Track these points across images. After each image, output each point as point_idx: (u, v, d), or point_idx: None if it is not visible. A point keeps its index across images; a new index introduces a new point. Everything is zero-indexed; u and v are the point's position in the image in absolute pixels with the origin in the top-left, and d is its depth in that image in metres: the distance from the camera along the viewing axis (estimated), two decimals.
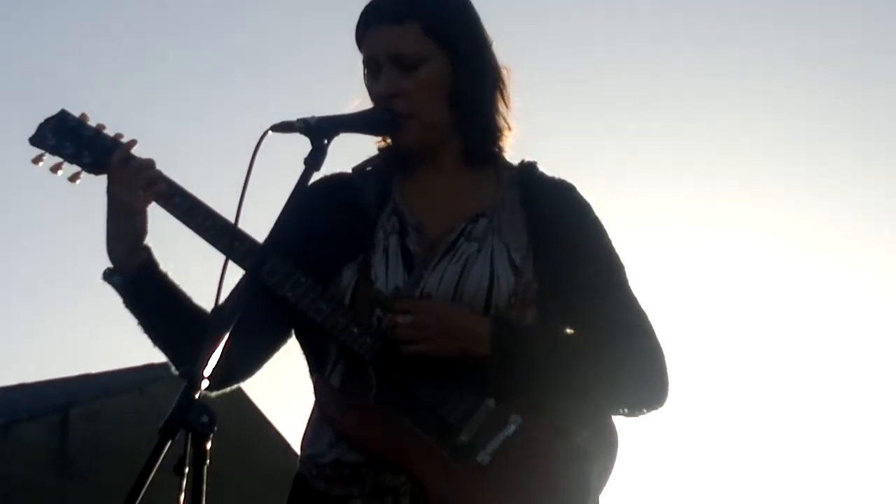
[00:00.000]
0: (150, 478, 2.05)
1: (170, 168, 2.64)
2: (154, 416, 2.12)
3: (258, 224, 2.53)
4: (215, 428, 2.11)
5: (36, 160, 2.66)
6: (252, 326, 2.51)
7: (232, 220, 2.41)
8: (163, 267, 2.62)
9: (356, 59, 2.65)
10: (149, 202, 2.58)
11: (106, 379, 16.92)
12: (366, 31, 2.60)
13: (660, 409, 2.60)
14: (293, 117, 2.40)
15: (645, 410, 2.59)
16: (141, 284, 2.59)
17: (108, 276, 2.60)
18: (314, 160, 2.37)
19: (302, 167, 2.36)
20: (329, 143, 2.39)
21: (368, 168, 2.69)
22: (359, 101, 2.61)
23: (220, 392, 2.64)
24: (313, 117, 2.40)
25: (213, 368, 2.22)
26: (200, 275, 2.45)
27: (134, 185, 2.57)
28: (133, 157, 2.60)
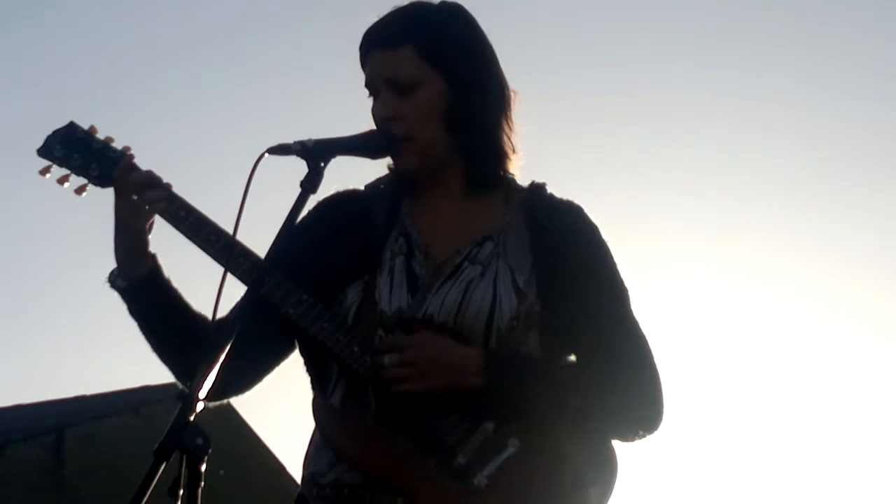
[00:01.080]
0: (145, 499, 2.05)
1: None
2: (150, 437, 2.12)
3: (254, 246, 2.54)
4: (210, 450, 2.11)
5: (43, 171, 2.68)
6: (252, 340, 2.53)
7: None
8: (167, 276, 2.64)
9: (358, 80, 2.66)
10: (150, 216, 2.59)
11: (102, 400, 16.88)
12: (366, 55, 2.63)
13: (655, 433, 2.60)
14: (290, 139, 2.41)
15: (641, 434, 2.59)
16: (142, 291, 2.61)
17: (113, 279, 2.62)
18: (311, 183, 2.38)
19: (299, 190, 2.37)
20: (326, 165, 2.40)
21: (381, 186, 2.70)
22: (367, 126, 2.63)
23: (216, 403, 2.64)
24: (310, 140, 2.41)
25: (222, 378, 2.26)
26: (208, 289, 2.45)
27: (138, 200, 2.59)
28: (136, 171, 2.62)
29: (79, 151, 2.66)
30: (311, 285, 2.56)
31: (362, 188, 2.73)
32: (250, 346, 2.51)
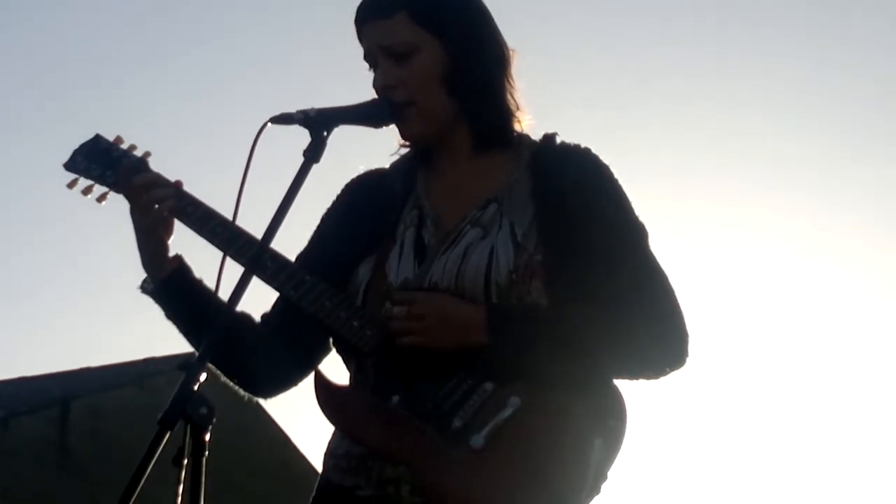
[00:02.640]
0: (149, 469, 2.06)
1: (169, 160, 2.67)
2: (154, 409, 2.13)
3: (257, 216, 2.54)
4: (214, 419, 2.12)
5: (70, 185, 2.77)
6: (294, 331, 2.62)
7: (234, 217, 2.48)
8: (198, 276, 2.66)
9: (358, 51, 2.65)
10: (160, 215, 2.62)
11: (106, 372, 16.92)
12: (361, 28, 2.63)
13: (682, 367, 2.55)
14: (293, 108, 2.41)
15: (667, 371, 2.55)
16: (168, 291, 2.64)
17: (144, 285, 2.67)
18: (313, 152, 2.38)
19: (301, 159, 2.37)
20: (328, 135, 2.40)
21: (403, 162, 2.71)
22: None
23: (272, 396, 2.75)
24: (313, 109, 2.42)
25: (266, 374, 2.63)
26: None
27: (146, 200, 2.62)
28: (139, 174, 2.66)
29: (98, 161, 2.75)
30: (331, 267, 2.59)
31: (387, 166, 2.75)
32: (294, 336, 2.61)
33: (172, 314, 2.66)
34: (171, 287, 2.64)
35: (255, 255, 2.47)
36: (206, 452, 2.12)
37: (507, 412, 2.44)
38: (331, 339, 2.66)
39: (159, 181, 2.65)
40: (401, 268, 2.57)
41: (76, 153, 2.78)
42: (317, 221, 2.77)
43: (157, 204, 2.62)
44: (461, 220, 2.59)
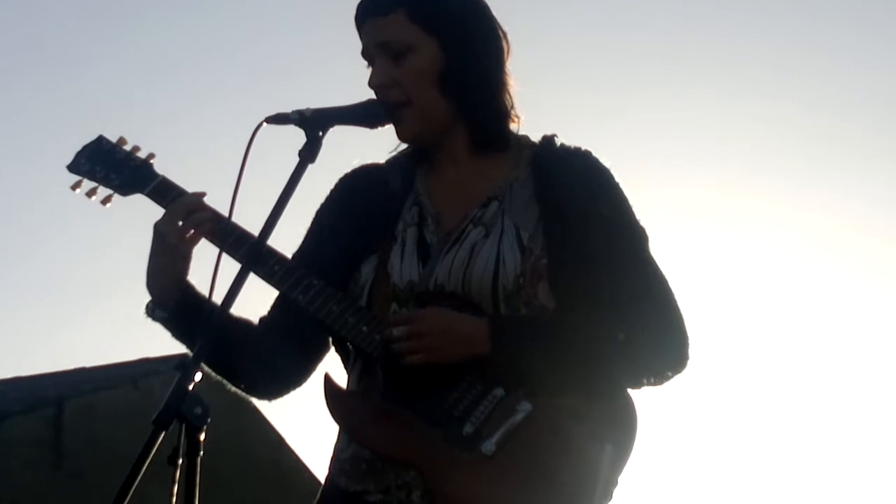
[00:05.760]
0: (144, 468, 2.06)
1: (164, 158, 2.68)
2: (149, 410, 2.13)
3: (253, 216, 2.54)
4: (209, 419, 2.12)
5: (74, 186, 2.75)
6: (295, 332, 2.60)
7: (230, 217, 2.45)
8: (202, 294, 2.59)
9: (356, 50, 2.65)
10: (198, 240, 2.58)
11: (100, 373, 16.88)
12: (360, 25, 2.62)
13: (683, 371, 2.56)
14: (289, 108, 2.40)
15: (669, 375, 2.56)
16: (183, 315, 2.57)
17: (151, 311, 2.60)
18: (309, 152, 2.38)
19: (297, 159, 2.37)
20: (324, 135, 2.40)
21: (400, 158, 2.70)
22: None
23: (278, 398, 2.72)
24: (308, 109, 2.42)
25: (270, 376, 2.62)
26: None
27: (185, 224, 2.57)
28: (187, 196, 2.61)
29: (102, 163, 2.74)
30: (331, 265, 2.58)
31: (383, 162, 2.73)
32: (294, 337, 2.60)
33: (185, 337, 2.59)
34: (186, 310, 2.56)
35: (253, 255, 2.43)
36: (201, 452, 2.13)
37: (518, 417, 2.45)
38: (331, 339, 2.66)
39: (202, 205, 2.60)
40: (404, 268, 2.56)
41: (79, 155, 2.76)
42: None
43: (195, 227, 2.57)
44: (462, 218, 2.58)
